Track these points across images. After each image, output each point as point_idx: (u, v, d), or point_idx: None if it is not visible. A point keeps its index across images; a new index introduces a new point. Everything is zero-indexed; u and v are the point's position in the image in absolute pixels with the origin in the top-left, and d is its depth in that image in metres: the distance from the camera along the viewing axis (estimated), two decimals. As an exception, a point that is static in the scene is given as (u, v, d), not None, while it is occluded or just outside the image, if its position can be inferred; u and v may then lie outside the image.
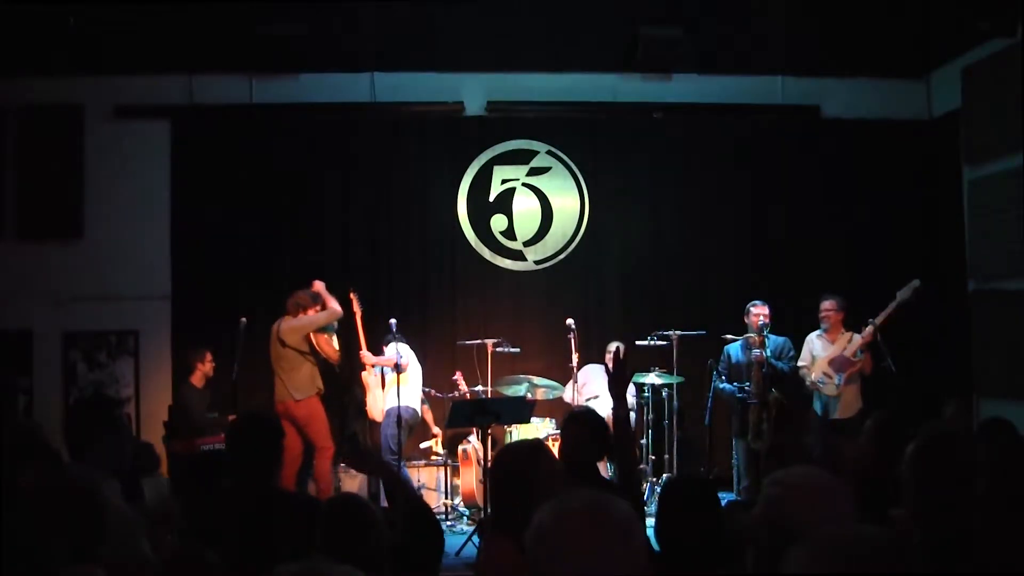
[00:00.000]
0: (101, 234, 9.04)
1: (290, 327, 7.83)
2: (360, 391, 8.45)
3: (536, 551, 1.91)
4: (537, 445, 3.21)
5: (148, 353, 9.07)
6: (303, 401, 7.76)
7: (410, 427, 8.00)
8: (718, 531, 2.94)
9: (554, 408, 8.58)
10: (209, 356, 8.41)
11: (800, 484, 2.34)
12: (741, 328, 8.02)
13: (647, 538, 1.92)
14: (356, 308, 8.04)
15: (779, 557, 2.27)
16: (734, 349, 8.00)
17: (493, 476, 3.16)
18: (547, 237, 9.50)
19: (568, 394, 8.43)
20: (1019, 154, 7.66)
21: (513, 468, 2.99)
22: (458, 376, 8.46)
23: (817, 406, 7.99)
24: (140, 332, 9.09)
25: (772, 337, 7.81)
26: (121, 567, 2.82)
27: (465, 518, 8.20)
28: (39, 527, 2.50)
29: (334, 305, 7.89)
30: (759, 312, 7.82)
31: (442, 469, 8.54)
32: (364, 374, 8.29)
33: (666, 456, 8.39)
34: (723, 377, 7.91)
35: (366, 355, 8.08)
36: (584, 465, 4.03)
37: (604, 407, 8.00)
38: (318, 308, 7.97)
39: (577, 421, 4.18)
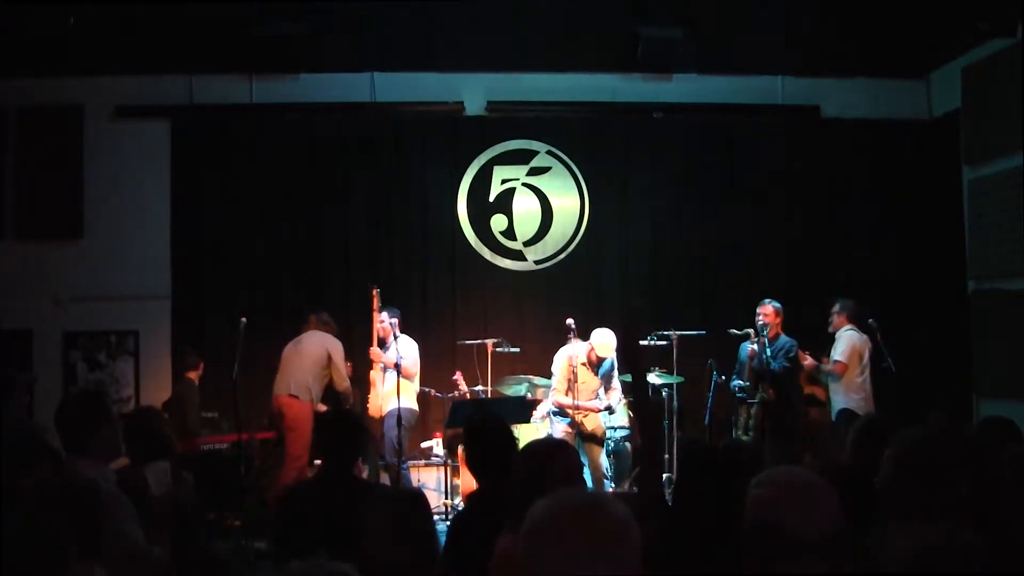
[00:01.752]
0: (101, 234, 9.04)
1: (324, 351, 7.91)
2: (364, 388, 8.45)
3: (529, 547, 1.90)
4: (559, 443, 3.20)
5: (148, 353, 9.07)
6: (298, 401, 7.77)
7: (410, 426, 8.01)
8: (732, 492, 2.98)
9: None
10: (202, 366, 8.43)
11: (786, 484, 2.35)
12: (743, 327, 8.04)
13: (641, 538, 1.91)
14: (376, 305, 8.01)
15: (770, 557, 2.28)
16: (742, 347, 8.03)
17: (518, 471, 3.14)
18: (547, 237, 9.50)
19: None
20: (1019, 154, 7.66)
21: (532, 465, 2.97)
22: (458, 376, 8.45)
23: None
24: (140, 332, 9.08)
25: (782, 338, 7.83)
26: (114, 554, 2.83)
27: (465, 518, 8.19)
28: (45, 525, 2.51)
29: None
30: (759, 311, 7.85)
31: (442, 469, 8.54)
32: (372, 372, 8.28)
33: (666, 456, 8.38)
34: (734, 375, 7.97)
35: (376, 352, 8.07)
36: (495, 474, 3.89)
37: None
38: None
39: (475, 436, 4.04)
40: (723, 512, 3.03)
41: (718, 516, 2.97)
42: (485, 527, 3.45)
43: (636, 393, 3.75)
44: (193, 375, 8.41)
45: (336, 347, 7.99)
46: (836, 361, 7.95)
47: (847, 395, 7.94)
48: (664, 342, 8.40)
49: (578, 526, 1.88)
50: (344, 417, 4.44)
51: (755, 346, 7.75)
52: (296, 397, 7.81)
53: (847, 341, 7.99)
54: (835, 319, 8.13)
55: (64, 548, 2.46)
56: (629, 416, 8.44)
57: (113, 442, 3.64)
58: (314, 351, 7.95)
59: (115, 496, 3.37)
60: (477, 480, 3.98)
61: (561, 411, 7.75)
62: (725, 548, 2.77)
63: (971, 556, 1.85)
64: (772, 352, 7.71)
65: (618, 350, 7.62)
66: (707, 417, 8.24)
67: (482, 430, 4.06)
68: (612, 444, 8.13)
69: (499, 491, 3.80)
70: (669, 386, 8.35)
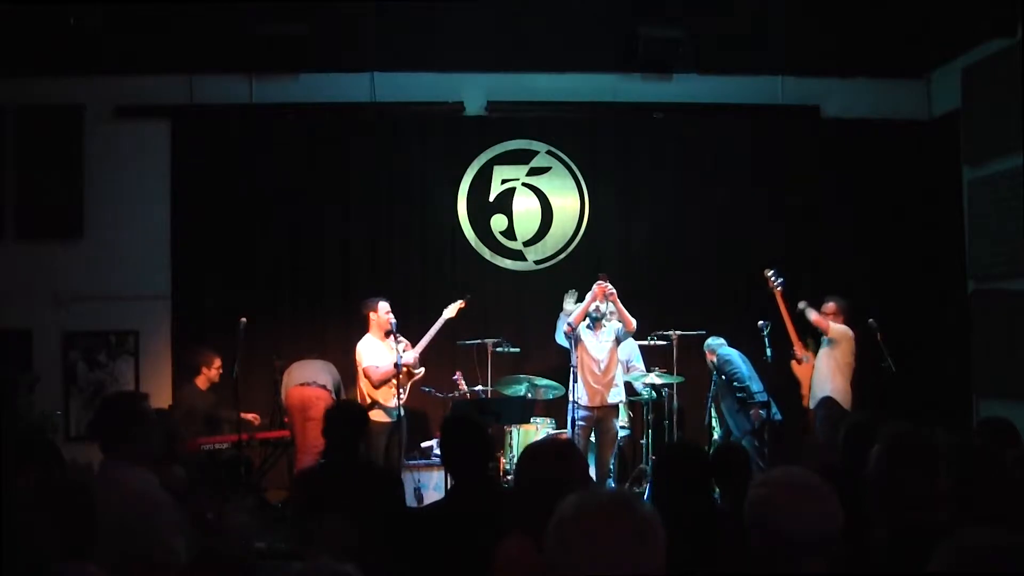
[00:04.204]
0: (101, 234, 9.04)
1: (338, 378, 8.13)
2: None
3: (556, 544, 1.91)
4: (566, 446, 3.17)
5: (148, 353, 9.07)
6: (327, 394, 7.82)
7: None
8: (708, 492, 3.01)
9: (554, 408, 8.58)
10: (218, 362, 8.38)
11: (785, 484, 2.35)
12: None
13: (667, 538, 1.91)
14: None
15: (769, 557, 2.29)
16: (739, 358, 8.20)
17: (523, 472, 3.09)
18: (547, 237, 9.50)
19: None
20: (1019, 154, 7.66)
21: (546, 468, 2.93)
22: (458, 376, 8.45)
23: None
24: (140, 332, 9.09)
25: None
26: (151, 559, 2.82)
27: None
28: (29, 524, 2.51)
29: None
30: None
31: (442, 469, 8.53)
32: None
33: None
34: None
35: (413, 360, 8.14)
36: (467, 470, 3.97)
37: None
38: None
39: (455, 430, 4.11)
40: (698, 510, 3.05)
41: (692, 514, 2.99)
42: (467, 523, 3.47)
43: None
44: (197, 381, 8.39)
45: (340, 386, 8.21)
46: (831, 325, 7.99)
47: (836, 380, 7.93)
48: (664, 342, 8.41)
49: (607, 524, 1.88)
50: (351, 406, 4.91)
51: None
52: (325, 389, 7.88)
53: (844, 330, 8.01)
54: (831, 317, 8.12)
55: (44, 547, 2.46)
56: (628, 416, 8.46)
57: (147, 444, 3.56)
58: (332, 371, 8.14)
59: (154, 499, 3.34)
60: (452, 477, 4.00)
61: (578, 376, 7.75)
62: (702, 544, 2.79)
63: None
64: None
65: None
66: (707, 417, 8.27)
67: (456, 427, 4.08)
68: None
69: (475, 487, 3.82)
70: (669, 386, 8.36)
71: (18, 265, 8.83)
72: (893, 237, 9.39)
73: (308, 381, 8.00)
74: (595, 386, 7.76)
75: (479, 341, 8.46)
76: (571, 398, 7.86)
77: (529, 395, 8.34)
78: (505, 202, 9.49)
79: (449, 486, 4.17)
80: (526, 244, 9.50)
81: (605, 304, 7.91)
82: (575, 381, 7.81)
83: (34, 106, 8.96)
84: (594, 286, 7.84)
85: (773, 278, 8.01)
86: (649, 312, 9.11)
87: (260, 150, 9.27)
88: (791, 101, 9.57)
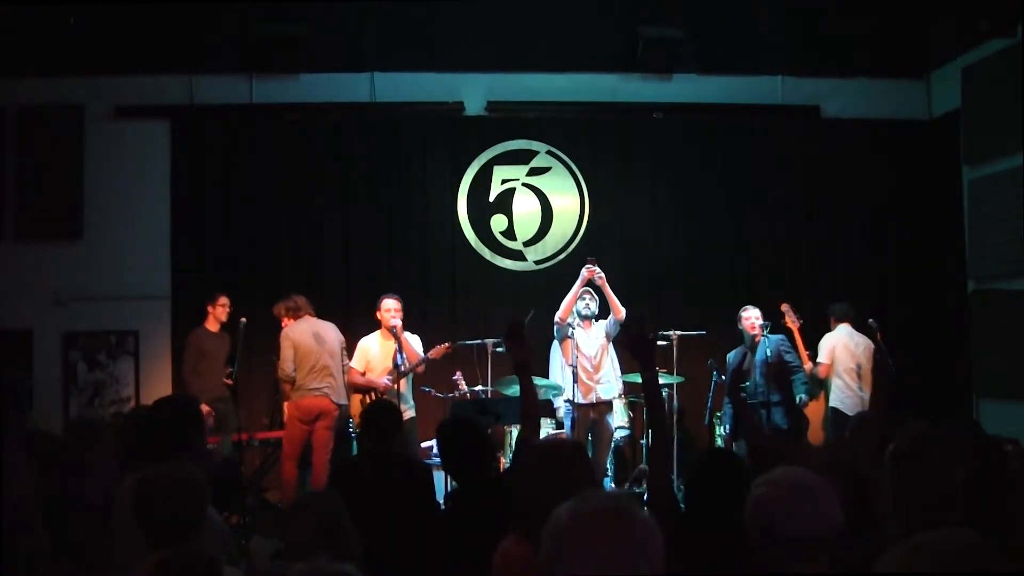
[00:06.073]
0: (101, 234, 9.04)
1: (341, 345, 7.97)
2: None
3: (551, 548, 1.87)
4: (578, 449, 3.14)
5: (148, 353, 9.07)
6: (343, 407, 7.83)
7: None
8: (741, 497, 3.01)
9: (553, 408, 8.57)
10: (223, 299, 8.25)
11: (785, 484, 2.35)
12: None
13: (665, 544, 1.89)
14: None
15: (770, 557, 2.28)
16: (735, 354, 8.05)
17: (527, 470, 3.04)
18: (547, 237, 9.50)
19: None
20: (1019, 154, 7.66)
21: (550, 469, 2.87)
22: (458, 376, 8.44)
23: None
24: (140, 332, 9.08)
25: (770, 336, 7.80)
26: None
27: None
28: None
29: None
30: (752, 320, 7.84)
31: (442, 469, 8.52)
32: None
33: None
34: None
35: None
36: (469, 473, 3.97)
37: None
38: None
39: (452, 434, 4.10)
40: (734, 515, 3.06)
41: (730, 519, 2.99)
42: (471, 527, 3.44)
43: (648, 390, 3.67)
44: (211, 322, 8.30)
45: (341, 339, 8.01)
46: (818, 363, 8.02)
47: (834, 394, 8.03)
48: (664, 342, 8.40)
49: (603, 531, 1.83)
50: (387, 405, 5.11)
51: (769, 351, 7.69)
52: (328, 398, 7.80)
53: (824, 343, 8.08)
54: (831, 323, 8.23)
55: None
56: (628, 416, 8.44)
57: (203, 453, 3.44)
58: (336, 347, 7.93)
59: (210, 515, 3.18)
60: (455, 480, 3.98)
61: (575, 376, 7.75)
62: (735, 550, 2.78)
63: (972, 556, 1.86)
64: (776, 353, 7.71)
65: (628, 348, 7.62)
66: (707, 417, 8.26)
67: (454, 431, 4.05)
68: (612, 444, 8.13)
69: (479, 490, 3.80)
70: (669, 386, 8.35)
71: (18, 265, 8.83)
72: (893, 237, 9.39)
73: (316, 393, 7.88)
74: (588, 383, 7.78)
75: (479, 341, 8.44)
76: (566, 396, 7.87)
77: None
78: (505, 202, 9.49)
79: (450, 489, 4.15)
80: (526, 244, 9.50)
81: (595, 301, 7.92)
82: (574, 381, 7.81)
83: (34, 106, 8.96)
84: (583, 270, 7.83)
85: (792, 316, 7.95)
86: (649, 312, 9.12)
87: (260, 150, 9.27)
88: (791, 101, 9.57)
